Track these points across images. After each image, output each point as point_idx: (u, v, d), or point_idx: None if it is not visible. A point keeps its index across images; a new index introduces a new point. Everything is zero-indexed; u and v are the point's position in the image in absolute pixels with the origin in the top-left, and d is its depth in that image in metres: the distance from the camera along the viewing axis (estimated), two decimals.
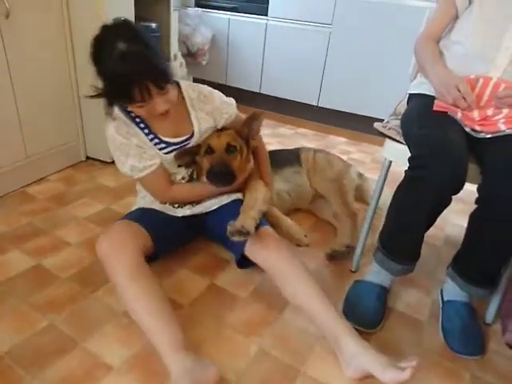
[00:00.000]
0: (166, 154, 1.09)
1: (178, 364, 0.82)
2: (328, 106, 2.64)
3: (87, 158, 1.91)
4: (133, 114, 1.04)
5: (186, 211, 1.17)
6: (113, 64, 0.87)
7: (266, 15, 2.62)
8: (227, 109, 1.17)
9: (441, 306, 1.14)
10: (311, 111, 2.75)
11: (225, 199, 1.18)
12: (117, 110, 1.04)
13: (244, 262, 1.11)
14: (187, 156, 1.14)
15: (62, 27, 1.61)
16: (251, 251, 1.05)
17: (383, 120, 1.26)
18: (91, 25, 1.62)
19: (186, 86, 1.12)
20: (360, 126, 2.59)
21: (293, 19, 2.55)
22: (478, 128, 1.00)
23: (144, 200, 1.20)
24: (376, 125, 1.21)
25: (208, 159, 1.12)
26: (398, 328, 1.10)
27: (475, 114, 1.01)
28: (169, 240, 1.15)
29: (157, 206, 1.16)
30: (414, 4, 2.19)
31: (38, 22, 1.51)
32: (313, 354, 0.98)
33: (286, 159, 1.61)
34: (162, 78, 0.92)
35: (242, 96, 2.21)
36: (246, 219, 1.00)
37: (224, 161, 1.10)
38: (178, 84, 1.09)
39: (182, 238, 1.26)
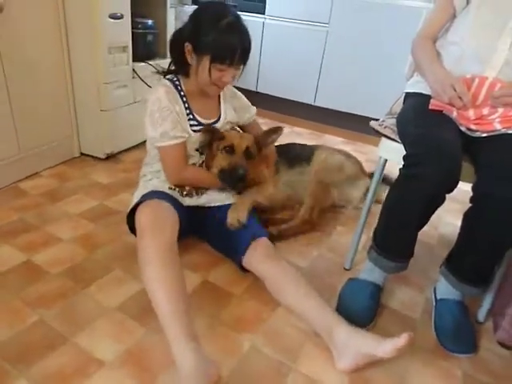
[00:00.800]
0: (194, 131, 1.19)
1: (187, 355, 0.80)
2: (324, 106, 2.64)
3: (81, 154, 1.90)
4: (179, 87, 1.17)
5: (193, 201, 1.21)
6: (223, 31, 1.05)
7: (264, 14, 2.62)
8: (250, 110, 1.38)
9: (434, 304, 1.14)
10: (307, 110, 2.75)
11: (227, 200, 1.25)
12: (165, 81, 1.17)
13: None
14: (210, 134, 1.22)
15: (57, 21, 1.60)
16: (249, 263, 1.10)
17: (379, 119, 1.27)
18: (86, 20, 1.65)
19: None
20: (356, 125, 2.60)
21: (290, 18, 2.55)
22: (473, 127, 1.00)
23: (151, 183, 1.19)
24: (372, 123, 1.21)
25: (226, 157, 1.21)
26: (390, 325, 1.10)
27: (471, 113, 1.01)
28: (183, 227, 1.10)
29: (167, 190, 1.18)
30: (410, 4, 2.20)
31: (32, 17, 1.50)
32: (305, 351, 0.98)
33: (297, 157, 1.61)
34: (249, 52, 1.12)
35: None
36: (239, 212, 1.10)
37: (241, 166, 1.19)
38: None
39: (185, 230, 1.21)
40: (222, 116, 1.26)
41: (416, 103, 1.14)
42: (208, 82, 1.12)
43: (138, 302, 1.06)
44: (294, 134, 2.66)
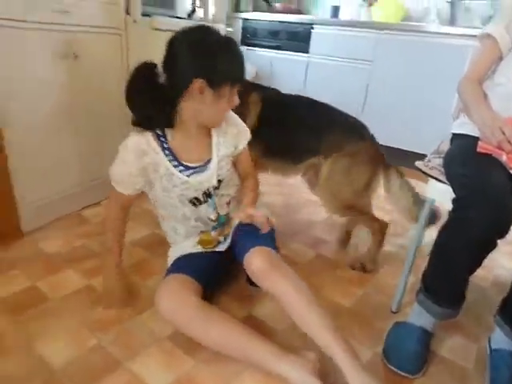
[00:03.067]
0: (187, 176, 1.09)
1: (295, 365, 0.91)
2: None
3: None
4: (162, 139, 1.07)
5: (224, 246, 1.18)
6: (234, 52, 0.99)
7: (308, 53, 2.73)
8: (247, 134, 1.20)
9: (488, 354, 1.08)
10: None
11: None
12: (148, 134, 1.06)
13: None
14: None
15: (120, 66, 1.77)
16: (257, 277, 1.03)
17: (424, 154, 1.27)
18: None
19: None
20: (400, 160, 2.57)
21: (333, 56, 2.64)
22: None
23: (180, 247, 1.23)
24: (418, 164, 1.22)
25: None
26: (441, 375, 1.05)
27: None
28: (214, 277, 1.20)
29: (194, 249, 1.20)
30: (455, 43, 2.21)
31: (100, 63, 1.67)
32: None
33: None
34: None
35: None
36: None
37: None
38: None
39: (222, 268, 1.29)
40: (213, 154, 1.11)
41: (463, 145, 1.14)
42: (224, 112, 1.07)
43: None
44: None
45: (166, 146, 1.07)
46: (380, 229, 1.48)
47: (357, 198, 1.44)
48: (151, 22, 1.82)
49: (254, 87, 1.51)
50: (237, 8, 3.13)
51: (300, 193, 2.12)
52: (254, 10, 3.16)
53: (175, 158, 1.08)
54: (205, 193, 1.14)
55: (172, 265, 1.18)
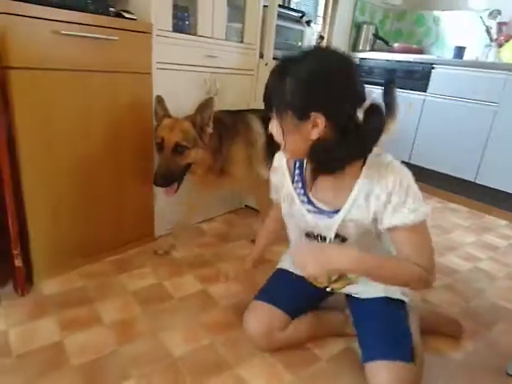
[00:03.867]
0: (307, 210, 0.99)
1: None
2: (487, 184, 2.45)
3: (245, 206, 2.23)
4: (298, 164, 1.02)
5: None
6: (359, 87, 0.83)
7: (425, 91, 2.68)
8: (410, 216, 0.85)
9: None
10: (466, 187, 2.59)
11: (373, 291, 1.05)
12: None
13: None
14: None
15: (248, 100, 2.01)
16: None
17: None
18: None
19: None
20: None
21: (454, 96, 2.54)
22: None
23: (284, 256, 1.29)
24: None
25: (158, 157, 1.19)
26: None
27: None
28: (304, 309, 1.18)
29: (290, 267, 1.20)
30: None
31: (234, 95, 1.92)
32: None
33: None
34: None
35: None
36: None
37: (167, 164, 1.18)
38: None
39: (315, 303, 1.24)
40: (343, 208, 0.92)
41: None
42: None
43: (291, 351, 1.16)
44: (448, 209, 2.52)
45: (298, 171, 1.01)
46: None
47: None
48: None
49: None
50: (354, 48, 3.24)
51: None
52: (371, 50, 3.24)
53: (303, 188, 1.00)
54: (320, 235, 1.02)
55: (269, 285, 1.22)
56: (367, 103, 0.83)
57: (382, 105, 0.83)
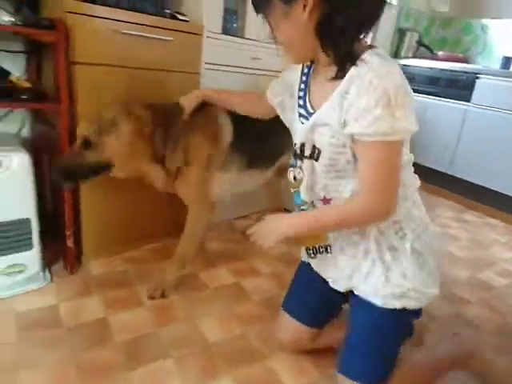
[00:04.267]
0: (298, 114, 0.93)
1: None
2: None
3: (284, 209, 2.25)
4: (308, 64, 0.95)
5: (311, 260, 1.08)
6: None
7: (468, 101, 2.61)
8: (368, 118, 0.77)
9: None
10: (508, 201, 2.50)
11: (367, 289, 0.92)
12: None
13: None
14: None
15: None
16: None
17: None
18: None
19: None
20: None
21: (498, 107, 2.46)
22: None
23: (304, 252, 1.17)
24: None
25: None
26: None
27: None
28: (326, 317, 1.13)
29: (305, 257, 1.12)
30: None
31: None
32: None
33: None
34: None
35: (427, 173, 2.25)
36: None
37: (66, 163, 1.17)
38: None
39: (337, 311, 1.14)
40: (320, 108, 0.84)
41: None
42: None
43: (321, 350, 1.17)
44: (485, 224, 2.45)
45: (305, 71, 0.94)
46: None
47: None
48: None
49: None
50: (396, 55, 3.20)
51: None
52: (413, 57, 3.19)
53: (304, 91, 0.92)
54: (303, 149, 0.91)
55: (293, 289, 1.18)
56: None
57: None
